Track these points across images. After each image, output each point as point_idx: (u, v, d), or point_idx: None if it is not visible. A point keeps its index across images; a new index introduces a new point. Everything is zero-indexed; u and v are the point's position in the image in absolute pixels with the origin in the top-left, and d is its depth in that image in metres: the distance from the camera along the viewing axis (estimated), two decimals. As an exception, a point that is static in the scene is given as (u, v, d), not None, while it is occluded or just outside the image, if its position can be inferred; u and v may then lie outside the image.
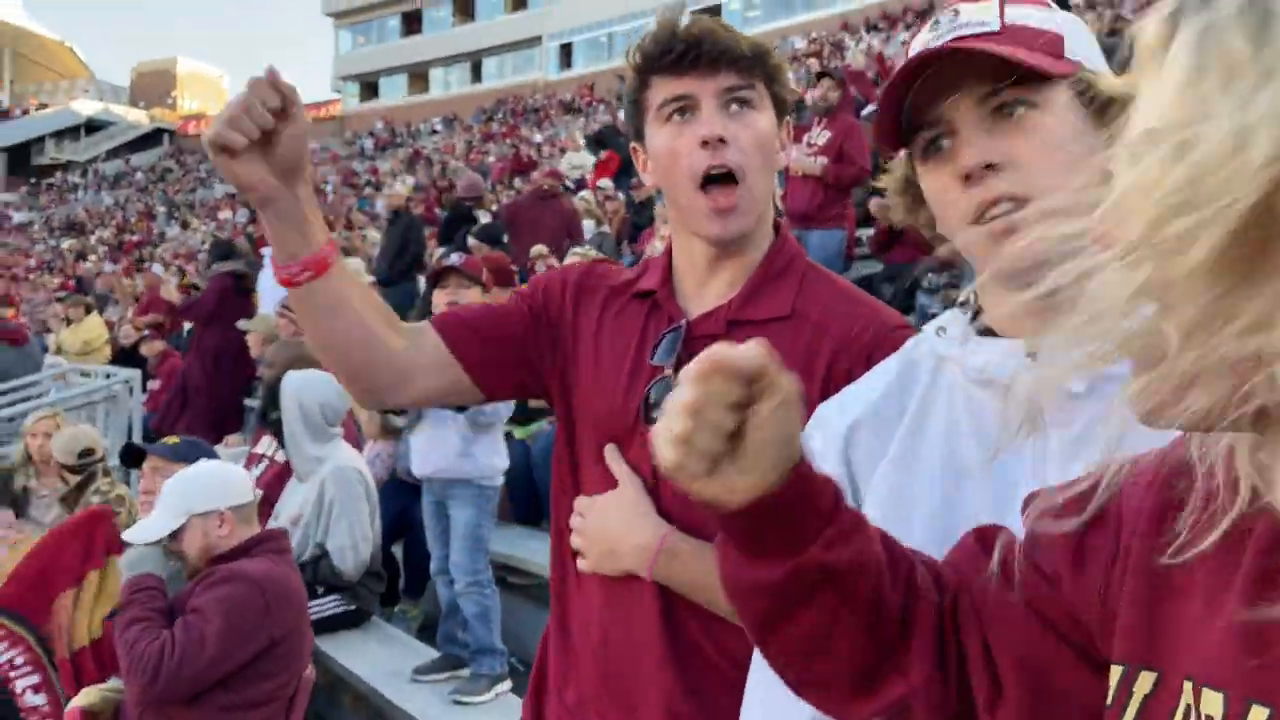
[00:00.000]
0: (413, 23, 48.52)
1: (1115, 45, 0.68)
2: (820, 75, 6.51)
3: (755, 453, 0.69)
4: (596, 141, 13.14)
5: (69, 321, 10.05)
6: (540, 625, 1.55)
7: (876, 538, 0.79)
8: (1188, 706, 0.63)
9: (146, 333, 9.29)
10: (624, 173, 10.37)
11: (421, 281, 7.84)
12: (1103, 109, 0.91)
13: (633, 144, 1.43)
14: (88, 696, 2.85)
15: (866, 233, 7.16)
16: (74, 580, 3.20)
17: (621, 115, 1.22)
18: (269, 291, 6.99)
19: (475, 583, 3.69)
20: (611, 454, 1.37)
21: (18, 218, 42.26)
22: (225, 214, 29.55)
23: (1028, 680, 0.75)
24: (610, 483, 1.37)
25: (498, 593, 3.84)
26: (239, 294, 7.27)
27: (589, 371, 1.40)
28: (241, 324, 6.78)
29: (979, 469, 0.93)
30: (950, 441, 0.95)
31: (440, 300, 3.91)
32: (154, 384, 8.38)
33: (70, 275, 19.38)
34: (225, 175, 1.20)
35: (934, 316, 1.08)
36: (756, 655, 1.09)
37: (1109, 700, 0.69)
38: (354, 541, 4.15)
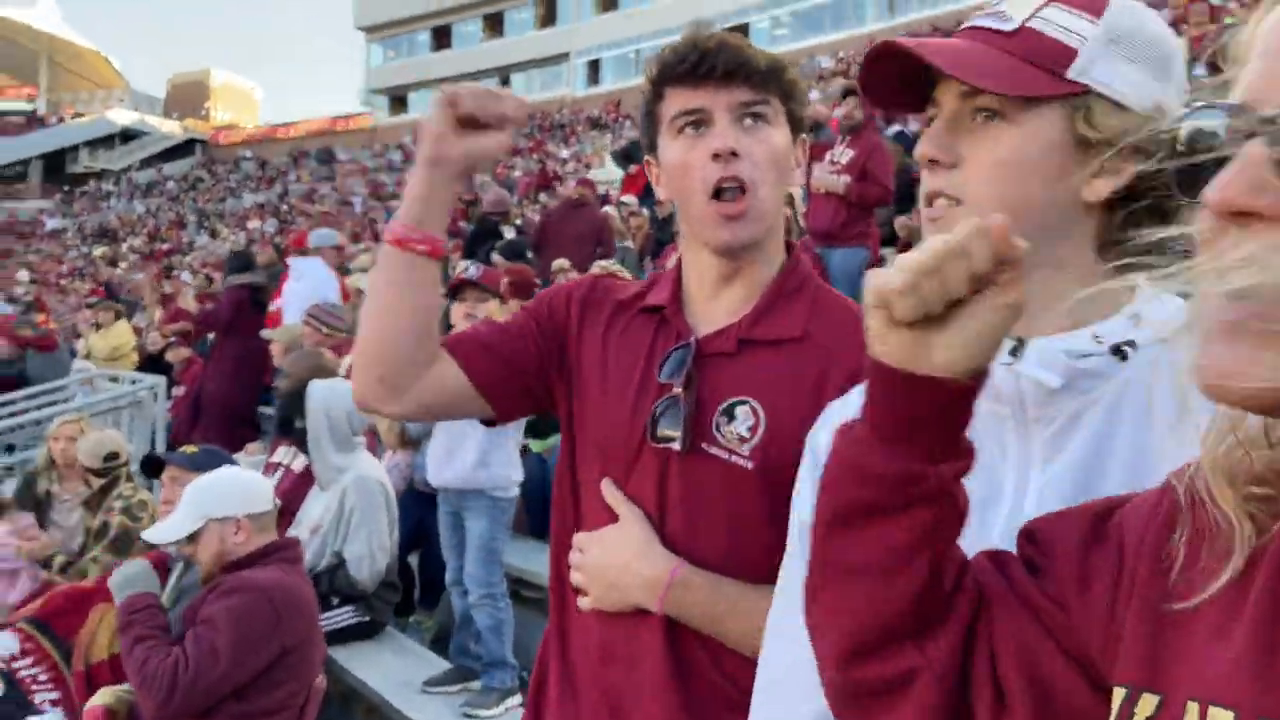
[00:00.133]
0: (443, 38, 49.01)
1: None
2: (845, 93, 6.50)
3: (962, 331, 0.68)
4: (624, 156, 13.15)
5: (98, 327, 10.18)
6: (554, 639, 1.54)
7: None
8: None
9: (173, 340, 9.39)
10: (650, 188, 10.37)
11: (443, 294, 7.86)
12: (1084, 139, 0.89)
13: (647, 157, 1.43)
14: (104, 696, 2.88)
15: (890, 252, 7.13)
16: (108, 598, 3.26)
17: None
18: (295, 299, 7.03)
19: (489, 595, 3.69)
20: (609, 488, 1.35)
21: (51, 224, 42.93)
22: (254, 223, 29.89)
23: (1036, 700, 0.74)
24: (617, 478, 1.36)
25: (511, 606, 3.84)
26: (254, 307, 7.31)
27: (596, 386, 1.39)
28: (265, 333, 6.84)
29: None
30: None
31: (458, 313, 3.93)
32: (178, 390, 8.46)
33: (101, 282, 19.65)
34: (434, 120, 1.29)
35: None
36: (760, 665, 1.08)
37: None
38: (371, 551, 4.17)
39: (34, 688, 3.05)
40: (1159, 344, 0.84)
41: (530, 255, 7.88)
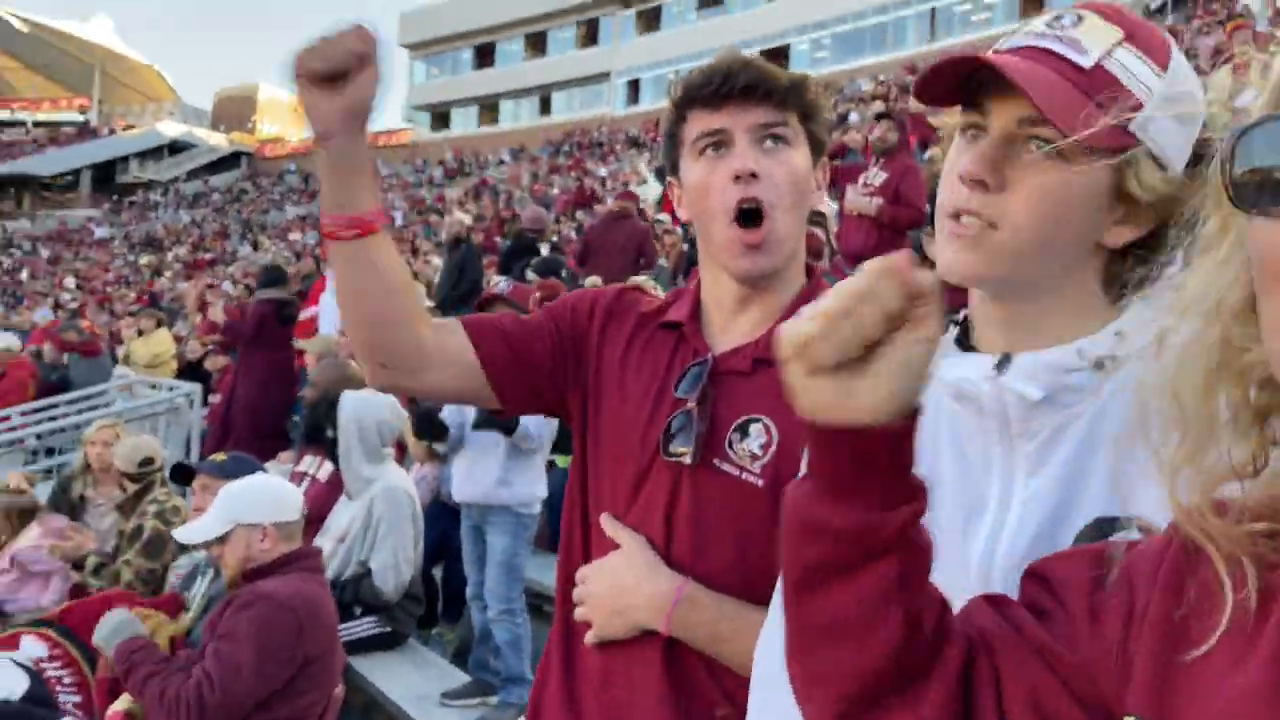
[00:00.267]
0: (485, 56, 49.58)
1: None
2: (879, 116, 6.50)
3: (883, 373, 0.66)
4: (665, 172, 13.22)
5: (140, 334, 10.37)
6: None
7: None
8: None
9: (211, 347, 9.54)
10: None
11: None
12: (1126, 193, 0.89)
13: (670, 178, 1.44)
14: (126, 702, 2.92)
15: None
16: (132, 604, 3.33)
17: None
18: (331, 310, 7.12)
19: (508, 610, 3.70)
20: (609, 522, 1.36)
21: (99, 233, 43.86)
22: (295, 235, 30.35)
23: None
24: (620, 491, 1.36)
25: (530, 621, 3.84)
26: (280, 322, 7.40)
27: (615, 395, 1.40)
28: (300, 343, 6.93)
29: (951, 483, 0.94)
30: (928, 456, 0.94)
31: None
32: (214, 398, 8.59)
33: (145, 291, 20.04)
34: (299, 100, 1.22)
35: None
36: (757, 658, 1.07)
37: None
38: (396, 562, 4.20)
39: (58, 689, 3.10)
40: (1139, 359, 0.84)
41: (563, 273, 7.93)
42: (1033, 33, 0.92)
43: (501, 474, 3.77)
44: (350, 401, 4.35)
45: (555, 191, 22.54)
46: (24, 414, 8.41)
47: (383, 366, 1.36)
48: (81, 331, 11.10)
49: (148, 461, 4.80)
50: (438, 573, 5.05)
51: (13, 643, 3.20)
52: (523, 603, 3.83)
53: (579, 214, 15.92)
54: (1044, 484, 0.88)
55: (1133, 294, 0.90)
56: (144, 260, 31.22)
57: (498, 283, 4.34)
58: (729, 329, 1.38)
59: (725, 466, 1.29)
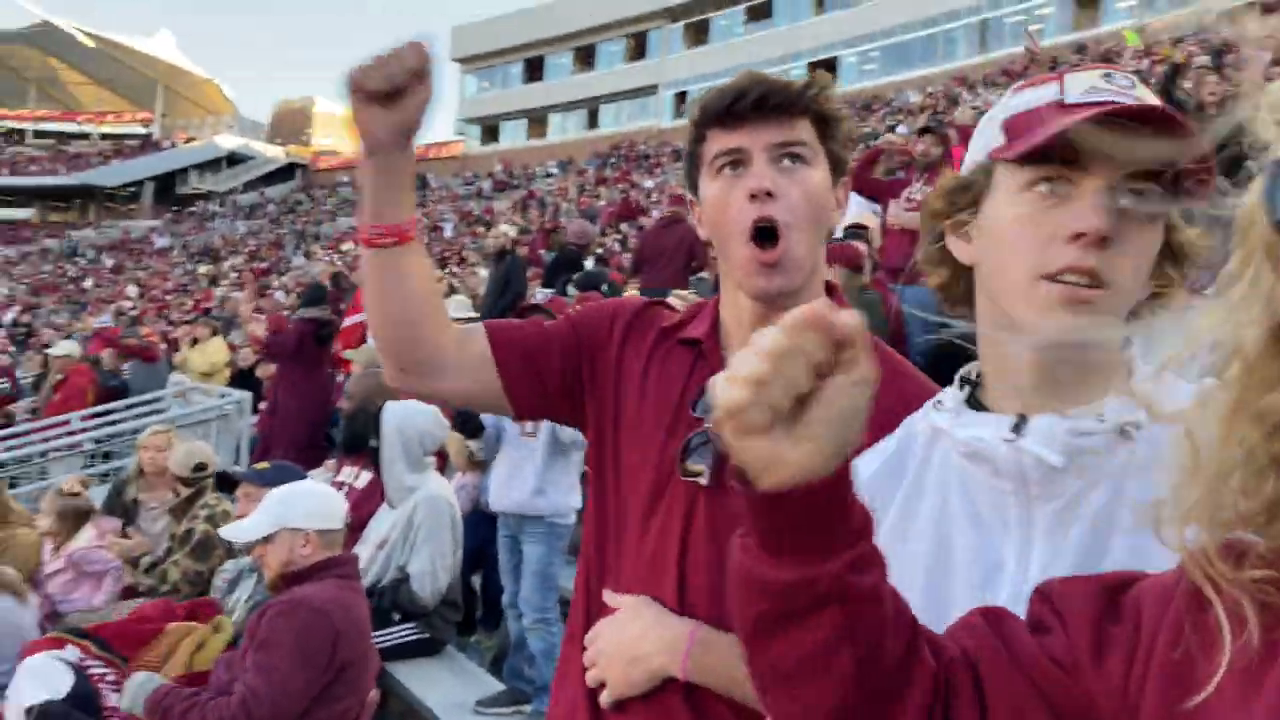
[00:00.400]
0: (534, 69, 50.02)
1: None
2: (922, 131, 6.45)
3: (817, 424, 0.65)
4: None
5: (196, 341, 10.61)
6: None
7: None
8: None
9: (261, 355, 9.71)
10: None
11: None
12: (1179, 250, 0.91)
13: (690, 197, 1.44)
14: None
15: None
16: (170, 613, 3.44)
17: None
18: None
19: (542, 619, 3.72)
20: (610, 595, 1.36)
21: (160, 242, 44.94)
22: (348, 245, 30.80)
23: None
24: (636, 506, 1.36)
25: (564, 630, 3.85)
26: (318, 342, 7.58)
27: (633, 408, 1.40)
28: (347, 353, 7.06)
29: (965, 548, 0.92)
30: (940, 525, 0.95)
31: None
32: (264, 405, 8.76)
33: (201, 300, 20.45)
34: (352, 115, 1.26)
35: None
36: None
37: None
38: (434, 569, 4.24)
39: (101, 686, 3.19)
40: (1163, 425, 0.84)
41: (604, 288, 7.98)
42: (1095, 89, 0.90)
43: (537, 484, 3.80)
44: (393, 411, 4.42)
45: (601, 203, 22.64)
46: (83, 419, 8.65)
47: (402, 370, 1.39)
48: (140, 338, 11.40)
49: (201, 467, 4.92)
50: (477, 580, 5.09)
51: (59, 643, 3.31)
52: (557, 612, 3.86)
53: (623, 226, 15.99)
54: (1065, 547, 0.87)
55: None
56: (202, 269, 31.90)
57: (534, 294, 4.38)
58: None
59: None
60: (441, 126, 53.30)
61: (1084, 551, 0.85)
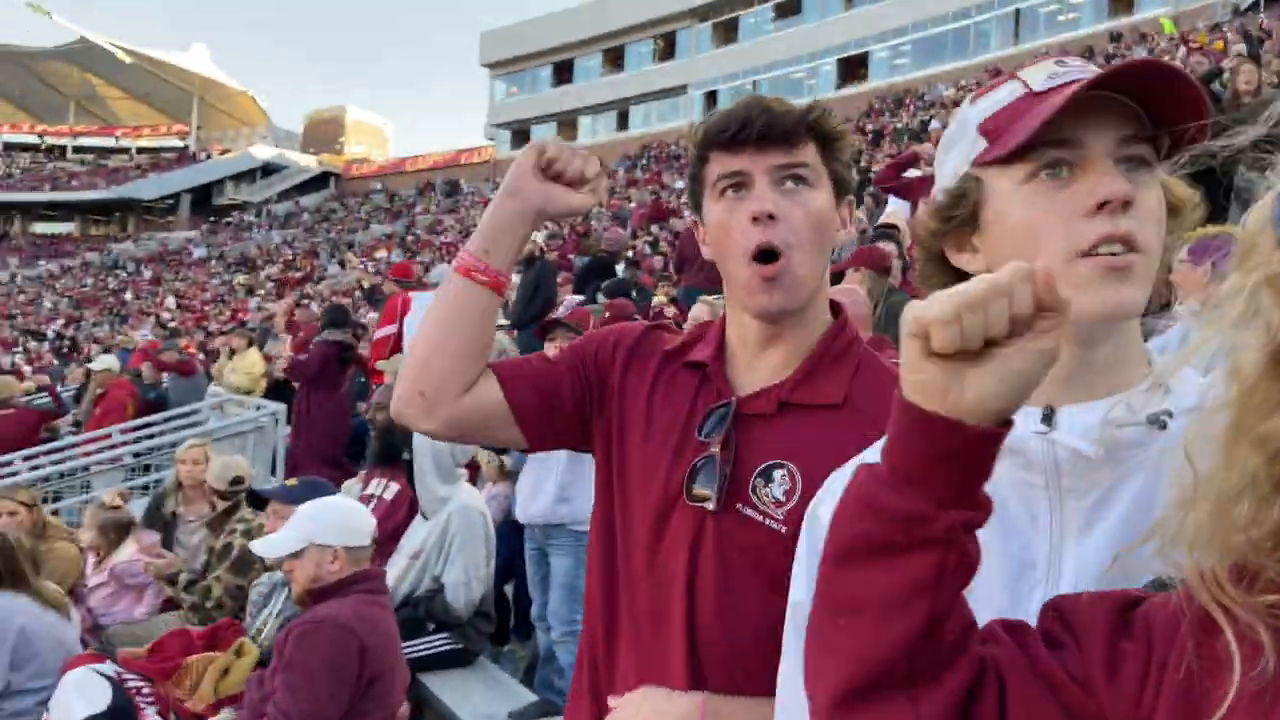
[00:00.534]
0: (564, 73, 50.19)
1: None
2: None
3: (991, 375, 0.68)
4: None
5: (233, 353, 10.77)
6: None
7: None
8: None
9: (298, 368, 9.83)
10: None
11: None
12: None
13: (694, 218, 1.46)
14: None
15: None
16: (189, 649, 3.51)
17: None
18: (413, 331, 7.31)
19: (571, 632, 3.72)
20: (613, 699, 1.37)
21: (197, 253, 45.68)
22: (381, 254, 31.11)
23: None
24: (643, 530, 1.37)
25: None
26: (341, 363, 7.70)
27: (637, 435, 1.41)
28: (379, 364, 7.14)
29: (991, 536, 0.91)
30: None
31: (550, 351, 4.02)
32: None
33: (238, 310, 20.78)
34: (521, 162, 1.41)
35: None
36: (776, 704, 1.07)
37: None
38: (468, 579, 4.27)
39: (138, 698, 3.25)
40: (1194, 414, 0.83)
41: (633, 294, 7.98)
42: (1056, 74, 0.91)
43: (558, 493, 3.80)
44: (426, 424, 4.46)
45: (632, 205, 22.67)
46: (123, 432, 8.81)
47: (422, 395, 1.40)
48: (180, 352, 11.59)
49: (237, 480, 4.99)
50: (509, 590, 5.12)
51: (99, 658, 3.38)
52: (586, 624, 3.86)
53: (654, 228, 15.99)
54: (1098, 543, 0.85)
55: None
56: (239, 279, 32.40)
57: (565, 301, 4.39)
58: (753, 369, 1.38)
59: (749, 512, 1.29)
60: (472, 132, 53.56)
61: (1116, 547, 0.84)
